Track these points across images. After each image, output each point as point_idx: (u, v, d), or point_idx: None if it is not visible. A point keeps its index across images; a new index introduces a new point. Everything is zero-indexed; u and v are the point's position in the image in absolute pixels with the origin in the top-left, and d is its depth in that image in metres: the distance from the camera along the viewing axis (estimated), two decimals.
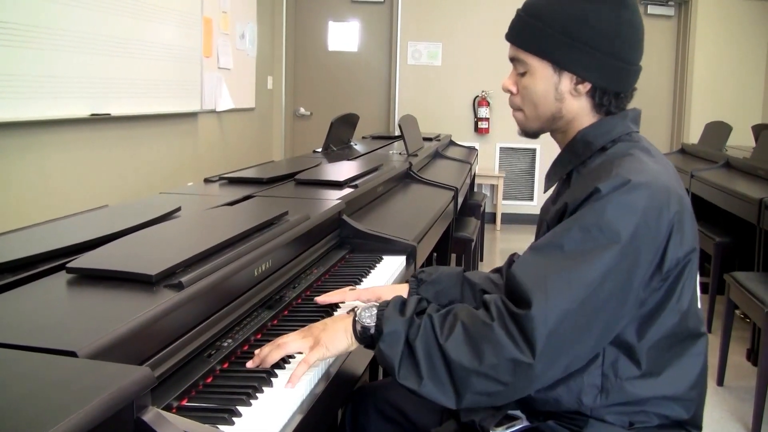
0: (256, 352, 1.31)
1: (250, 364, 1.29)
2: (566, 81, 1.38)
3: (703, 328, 1.37)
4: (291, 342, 1.31)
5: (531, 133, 1.49)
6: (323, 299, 1.61)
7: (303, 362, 1.26)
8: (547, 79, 1.39)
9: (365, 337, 1.32)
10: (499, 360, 1.18)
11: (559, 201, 1.36)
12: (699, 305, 1.37)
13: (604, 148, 1.38)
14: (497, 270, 1.74)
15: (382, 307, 1.32)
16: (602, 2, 1.35)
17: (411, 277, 1.70)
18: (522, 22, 1.43)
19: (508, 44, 1.46)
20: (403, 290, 1.66)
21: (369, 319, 1.31)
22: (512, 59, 1.45)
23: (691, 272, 1.32)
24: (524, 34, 1.41)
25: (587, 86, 1.38)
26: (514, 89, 1.45)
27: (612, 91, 1.38)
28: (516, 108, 1.48)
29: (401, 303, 1.32)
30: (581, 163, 1.41)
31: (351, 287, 1.64)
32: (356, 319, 1.33)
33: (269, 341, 1.36)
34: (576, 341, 1.21)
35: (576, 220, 1.25)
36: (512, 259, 1.73)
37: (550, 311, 1.18)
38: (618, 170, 1.26)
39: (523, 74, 1.42)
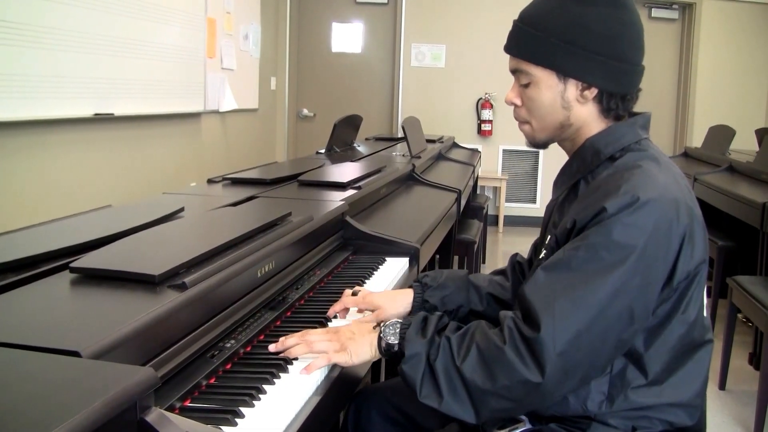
0: (281, 339, 1.35)
1: (272, 348, 1.33)
2: (572, 88, 1.37)
3: (708, 336, 1.36)
4: (318, 342, 1.34)
5: (540, 144, 1.47)
6: (332, 312, 1.62)
7: (325, 357, 1.31)
8: (553, 88, 1.38)
9: (390, 353, 1.35)
10: (511, 382, 1.20)
11: (567, 214, 1.35)
12: (705, 313, 1.37)
13: (613, 158, 1.37)
14: (500, 272, 1.74)
15: (405, 326, 1.34)
16: (600, 5, 1.34)
17: (414, 281, 1.69)
18: (521, 33, 1.41)
19: None
20: (402, 296, 1.65)
21: (393, 337, 1.34)
22: (514, 71, 1.43)
23: (699, 283, 1.31)
24: (525, 45, 1.40)
25: (594, 91, 1.36)
26: (518, 102, 1.44)
27: (618, 93, 1.37)
28: (522, 121, 1.46)
29: (422, 321, 1.34)
30: (589, 172, 1.40)
31: (354, 289, 1.65)
32: (381, 335, 1.36)
33: (272, 342, 1.36)
34: (588, 358, 1.22)
35: (583, 239, 1.25)
36: (515, 260, 1.72)
37: (559, 334, 1.19)
38: (626, 186, 1.25)
39: (526, 85, 1.41)
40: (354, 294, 1.64)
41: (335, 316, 1.61)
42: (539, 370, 1.19)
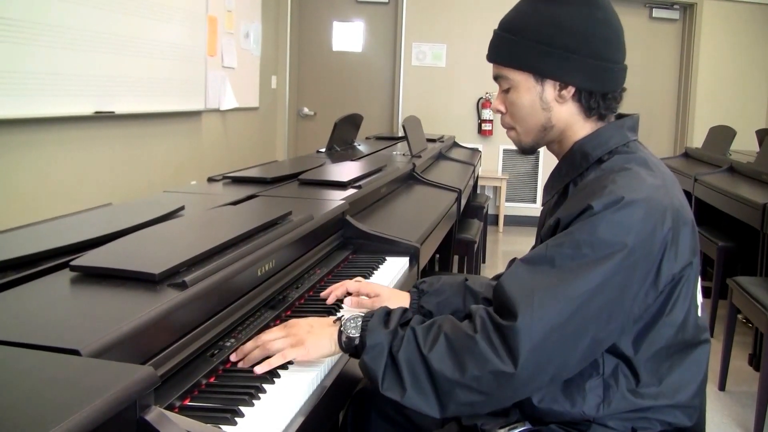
0: (242, 347, 1.31)
1: (234, 357, 1.29)
2: (549, 89, 1.38)
3: (704, 336, 1.35)
4: (274, 342, 1.30)
5: (528, 149, 1.48)
6: (329, 294, 1.63)
7: (280, 355, 1.28)
8: (531, 90, 1.39)
9: (350, 348, 1.32)
10: (481, 372, 1.18)
11: (554, 215, 1.34)
12: (700, 313, 1.36)
13: (601, 160, 1.37)
14: (499, 276, 1.73)
15: (367, 318, 1.31)
16: (573, 5, 1.35)
17: (412, 287, 1.69)
18: (499, 39, 1.43)
19: None
20: (402, 296, 1.66)
21: (354, 330, 1.31)
22: (496, 78, 1.45)
23: (687, 285, 1.30)
24: (502, 50, 1.42)
25: (571, 90, 1.37)
26: (502, 108, 1.45)
27: (598, 92, 1.37)
28: (508, 127, 1.47)
29: (385, 314, 1.32)
30: (578, 175, 1.40)
31: (356, 279, 1.65)
32: (341, 329, 1.33)
33: None
34: (561, 354, 1.20)
35: (567, 235, 1.24)
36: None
37: (536, 324, 1.17)
38: (612, 186, 1.25)
39: (507, 91, 1.42)
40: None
41: (339, 307, 1.61)
42: (512, 360, 1.17)
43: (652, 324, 1.29)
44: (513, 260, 1.71)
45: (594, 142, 1.39)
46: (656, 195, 1.26)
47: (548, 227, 1.33)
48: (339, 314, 1.40)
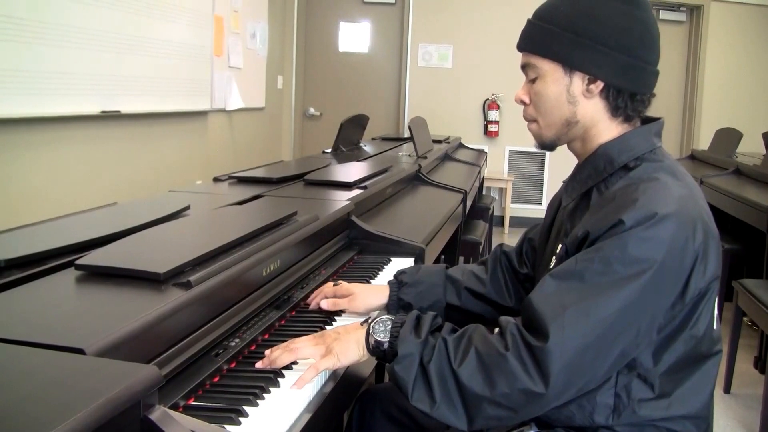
0: (267, 352, 1.30)
1: (259, 365, 1.28)
2: (578, 81, 1.34)
3: (717, 348, 1.33)
4: (303, 348, 1.29)
5: (548, 144, 1.44)
6: (314, 304, 1.62)
7: (313, 367, 1.26)
8: (559, 81, 1.35)
9: (378, 351, 1.31)
10: (511, 390, 1.17)
11: (579, 224, 1.31)
12: (716, 325, 1.34)
13: (627, 167, 1.33)
14: (483, 262, 1.73)
15: (397, 324, 1.30)
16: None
17: (393, 277, 1.68)
18: (531, 28, 1.40)
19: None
20: (378, 290, 1.65)
21: (383, 334, 1.30)
22: (523, 67, 1.41)
23: (710, 298, 1.28)
24: (533, 39, 1.38)
25: (600, 85, 1.33)
26: (527, 99, 1.41)
27: (626, 90, 1.33)
28: (530, 119, 1.43)
29: (416, 321, 1.30)
30: (602, 181, 1.36)
31: (334, 282, 1.66)
32: (369, 332, 1.31)
33: (277, 341, 1.36)
34: (591, 370, 1.20)
35: (598, 251, 1.21)
36: (500, 251, 1.72)
37: (567, 344, 1.16)
38: (642, 200, 1.21)
39: (534, 81, 1.39)
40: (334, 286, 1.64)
41: (335, 319, 1.60)
42: (543, 380, 1.16)
43: (674, 336, 1.27)
44: (500, 245, 1.71)
45: (619, 147, 1.35)
46: (686, 208, 1.23)
47: (574, 238, 1.29)
48: (368, 317, 1.38)
